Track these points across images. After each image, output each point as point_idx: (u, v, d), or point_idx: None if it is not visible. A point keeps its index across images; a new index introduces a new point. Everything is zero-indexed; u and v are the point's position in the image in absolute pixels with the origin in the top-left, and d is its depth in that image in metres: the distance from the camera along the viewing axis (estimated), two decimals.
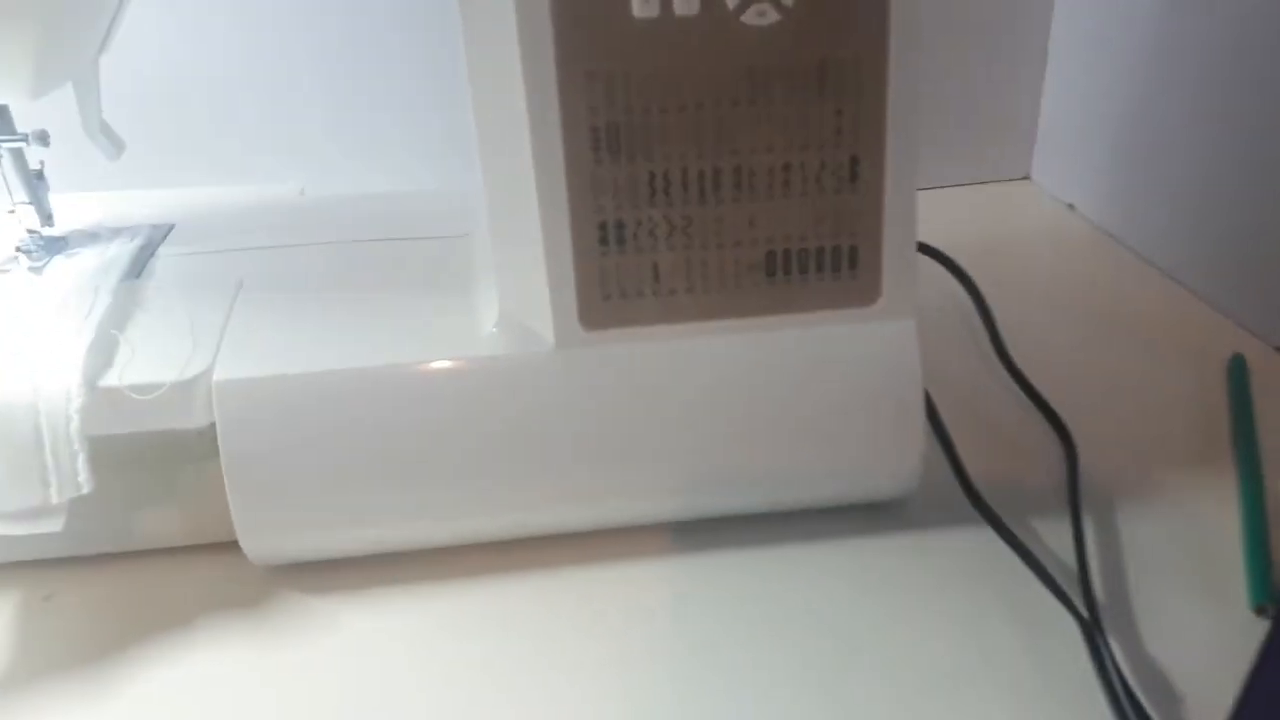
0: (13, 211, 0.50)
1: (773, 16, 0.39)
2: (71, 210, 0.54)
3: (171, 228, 0.54)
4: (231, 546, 0.44)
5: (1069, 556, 0.45)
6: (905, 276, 0.44)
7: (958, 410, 0.53)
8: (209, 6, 0.68)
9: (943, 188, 0.82)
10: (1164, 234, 0.70)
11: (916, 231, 0.43)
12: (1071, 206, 0.80)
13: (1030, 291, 0.68)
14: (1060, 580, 0.42)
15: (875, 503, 0.47)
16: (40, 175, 0.50)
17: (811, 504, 0.47)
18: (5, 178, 0.49)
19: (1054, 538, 0.46)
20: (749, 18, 0.39)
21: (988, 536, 0.45)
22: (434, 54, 0.72)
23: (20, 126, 0.48)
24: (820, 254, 0.43)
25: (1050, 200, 0.82)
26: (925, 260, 0.59)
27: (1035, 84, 0.81)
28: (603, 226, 0.42)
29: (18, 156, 0.49)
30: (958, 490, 0.48)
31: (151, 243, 0.53)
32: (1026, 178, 0.85)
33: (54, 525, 0.41)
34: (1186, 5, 0.66)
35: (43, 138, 0.48)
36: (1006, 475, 0.50)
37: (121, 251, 0.51)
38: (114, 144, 0.51)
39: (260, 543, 0.44)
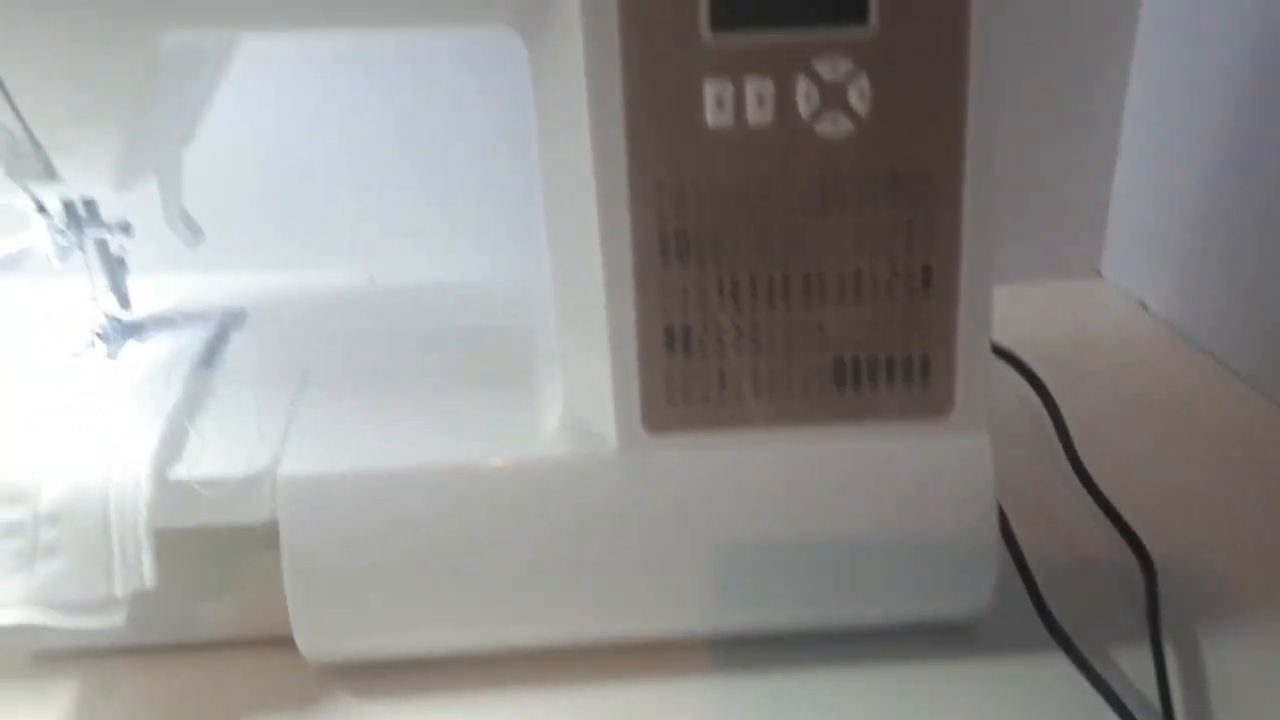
0: (94, 298, 0.51)
1: (846, 127, 0.39)
2: (148, 293, 0.55)
3: (243, 314, 0.55)
4: (287, 642, 0.44)
5: (1149, 687, 0.42)
6: (979, 389, 0.43)
7: (1030, 524, 0.51)
8: (289, 99, 0.71)
9: (1010, 284, 0.81)
10: (1239, 334, 0.67)
11: (990, 342, 0.42)
12: (1144, 305, 0.78)
13: (1103, 393, 0.66)
14: (1140, 716, 0.40)
15: (943, 624, 0.46)
16: (121, 262, 0.52)
17: (876, 624, 0.45)
18: (89, 265, 0.51)
19: (1133, 666, 0.43)
20: (823, 128, 0.39)
21: (1063, 664, 0.43)
22: (505, 148, 0.73)
23: (105, 213, 0.50)
24: (891, 363, 0.42)
25: (1122, 297, 0.80)
26: (994, 360, 0.57)
27: (1105, 179, 0.80)
28: (669, 330, 0.42)
29: (101, 246, 0.50)
30: (1031, 612, 0.45)
31: (224, 329, 0.54)
32: (1097, 274, 0.83)
33: (116, 619, 0.41)
34: (1258, 103, 0.64)
35: (126, 228, 0.50)
36: (1083, 596, 0.47)
37: (194, 339, 0.52)
38: (193, 232, 0.53)
39: (316, 640, 0.43)
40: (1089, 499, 0.54)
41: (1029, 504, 0.54)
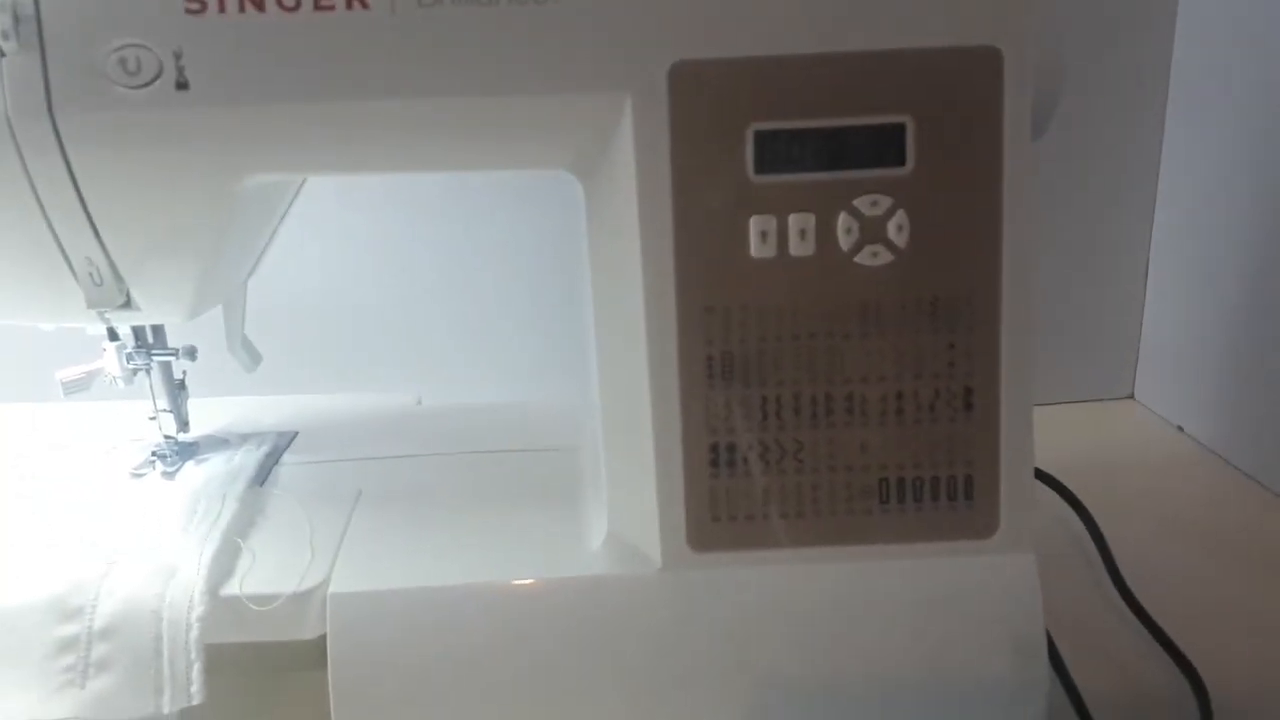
0: (153, 418, 0.53)
1: (886, 257, 0.41)
2: (204, 414, 0.57)
3: (295, 435, 0.57)
4: None
5: None
6: (1024, 508, 0.43)
7: (1077, 648, 0.50)
8: (340, 229, 0.74)
9: (1044, 405, 0.81)
10: (1277, 456, 0.67)
11: (1033, 461, 0.43)
12: (1180, 429, 0.78)
13: (1143, 516, 0.65)
14: None
15: None
16: (182, 385, 0.54)
17: None
18: (152, 388, 0.53)
19: None
20: (862, 258, 0.41)
21: None
22: (547, 277, 0.76)
23: (170, 339, 0.52)
24: (935, 483, 0.43)
25: (1156, 420, 0.81)
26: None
27: (1137, 303, 0.82)
28: (714, 449, 0.43)
29: (165, 368, 0.53)
30: None
31: (277, 449, 0.55)
32: (1130, 397, 0.84)
33: None
34: None
35: (191, 353, 0.52)
36: (1133, 718, 0.47)
37: (248, 459, 0.53)
38: (252, 358, 0.55)
39: None
40: (1136, 624, 0.53)
41: (1074, 629, 0.53)
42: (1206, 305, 0.75)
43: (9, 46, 0.39)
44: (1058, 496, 0.61)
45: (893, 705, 0.43)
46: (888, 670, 0.43)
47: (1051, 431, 0.76)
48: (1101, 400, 0.83)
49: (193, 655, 0.42)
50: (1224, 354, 0.73)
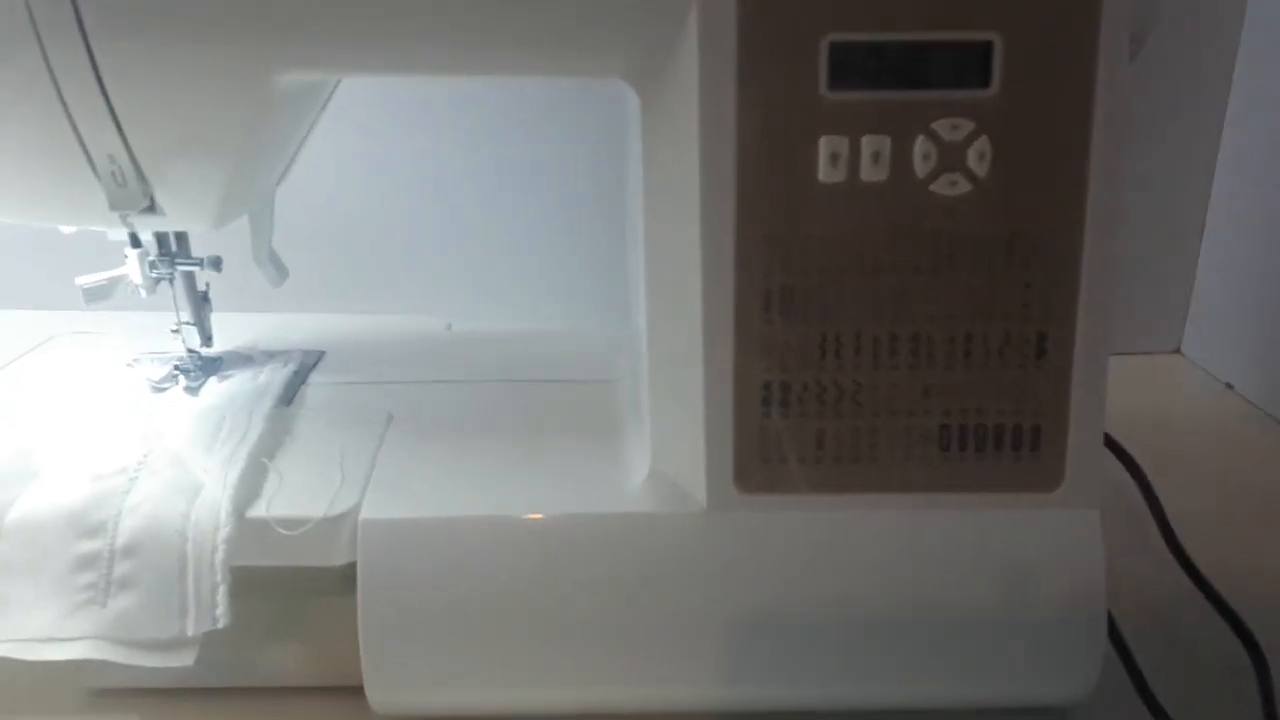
0: (176, 330, 0.52)
1: (964, 186, 0.39)
2: (229, 330, 0.55)
3: (322, 354, 0.56)
4: (355, 692, 0.42)
5: None
6: (1090, 463, 0.41)
7: (1130, 611, 0.48)
8: (373, 142, 0.72)
9: None
10: None
11: (1104, 415, 0.41)
12: (1229, 386, 0.76)
13: (1193, 474, 0.63)
14: None
15: (1042, 709, 0.43)
16: (205, 297, 0.52)
17: (972, 704, 0.43)
18: (175, 299, 0.51)
19: None
20: (939, 186, 0.39)
21: None
22: (589, 199, 0.73)
23: (195, 248, 0.50)
24: (1000, 432, 0.41)
25: (1204, 376, 0.78)
26: None
27: (1190, 257, 0.79)
28: (768, 387, 0.41)
29: (189, 279, 0.51)
30: (1135, 699, 0.43)
31: (303, 369, 0.54)
32: (1177, 351, 0.81)
33: (186, 659, 0.40)
34: None
35: (216, 263, 0.50)
36: (1189, 685, 0.45)
37: (274, 377, 0.52)
38: (279, 271, 0.53)
39: (386, 692, 0.42)
40: (1190, 585, 0.51)
41: (1127, 587, 0.51)
42: (1262, 261, 0.72)
43: None
44: (1109, 453, 0.59)
45: (944, 659, 0.42)
46: (940, 623, 0.41)
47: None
48: (1148, 353, 0.81)
49: (218, 577, 0.40)
50: (1277, 312, 0.70)
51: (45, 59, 0.38)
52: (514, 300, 0.76)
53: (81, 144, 0.41)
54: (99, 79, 0.39)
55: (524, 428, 0.49)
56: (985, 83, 0.38)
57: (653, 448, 0.44)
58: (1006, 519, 0.42)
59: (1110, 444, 0.57)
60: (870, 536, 0.42)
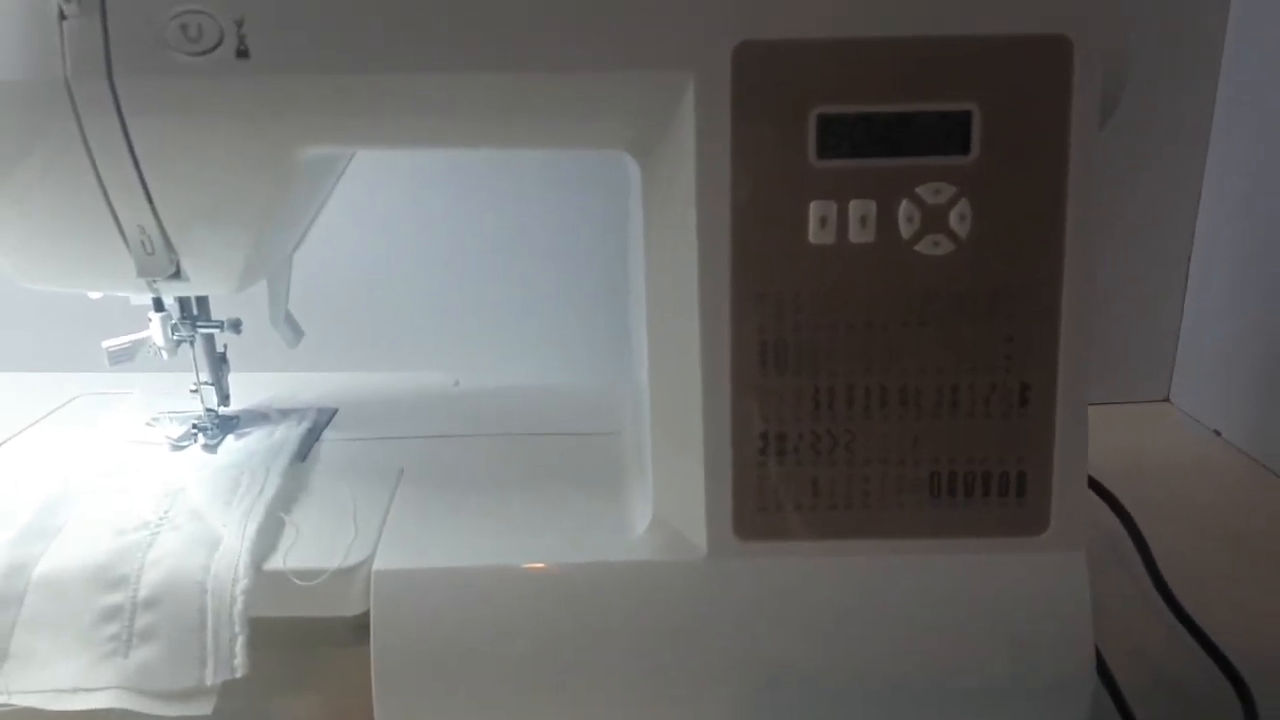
0: (195, 390, 0.53)
1: (947, 246, 0.40)
2: (246, 389, 0.57)
3: (336, 412, 0.57)
4: None
5: None
6: (1076, 506, 0.42)
7: (1118, 653, 0.49)
8: (382, 212, 0.74)
9: None
10: None
11: (1087, 460, 0.42)
12: (1217, 433, 0.77)
13: (1179, 519, 0.64)
14: None
15: None
16: (224, 358, 0.54)
17: None
18: (195, 360, 0.52)
19: None
20: (923, 247, 0.40)
21: None
22: (587, 260, 0.76)
23: (214, 311, 0.52)
24: (987, 478, 0.42)
25: (1192, 424, 0.79)
26: None
27: (1175, 304, 0.80)
28: (765, 437, 0.42)
29: (209, 341, 0.52)
30: None
31: (317, 426, 0.55)
32: (1166, 400, 0.83)
33: (204, 708, 0.41)
34: None
35: (236, 326, 0.52)
36: None
37: (290, 434, 0.53)
38: (294, 333, 0.54)
39: None
40: (1179, 628, 0.52)
41: (1116, 628, 0.52)
42: (1247, 308, 0.74)
43: (70, 9, 0.38)
44: (1096, 497, 0.60)
45: (935, 699, 0.43)
46: (934, 666, 0.42)
47: (1090, 432, 0.75)
48: (1136, 403, 0.82)
49: (236, 628, 0.41)
50: (1263, 358, 0.72)
51: (83, 134, 0.40)
52: (519, 357, 0.78)
53: (113, 215, 0.43)
54: (133, 153, 0.41)
55: (530, 479, 0.50)
56: (965, 149, 0.40)
57: (655, 497, 0.45)
58: (995, 562, 0.42)
59: (1097, 488, 0.59)
60: (863, 581, 0.43)
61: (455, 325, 0.77)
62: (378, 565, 0.43)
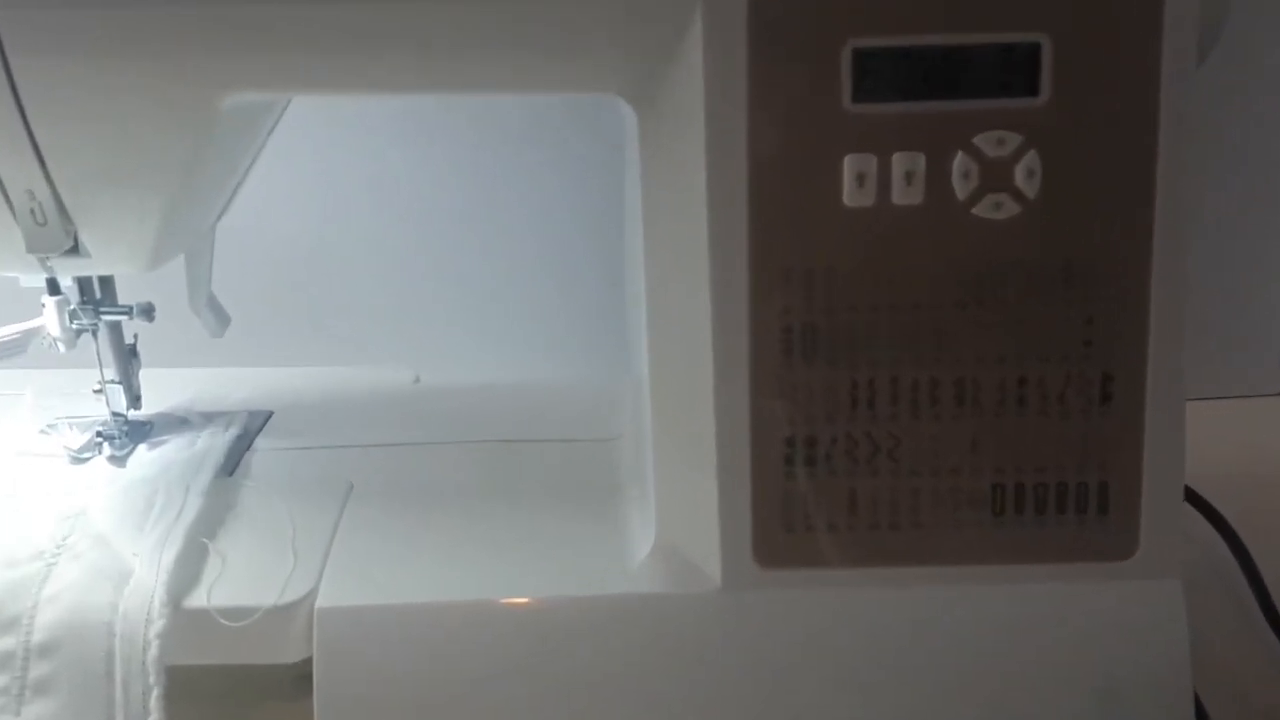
0: (99, 390, 0.53)
1: (1011, 209, 0.40)
2: (160, 388, 0.57)
3: (270, 415, 0.57)
4: None
5: None
6: (1169, 524, 0.43)
7: (1223, 696, 0.49)
8: (327, 167, 0.74)
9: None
10: None
11: (1184, 467, 0.43)
12: None
13: None
14: None
15: None
16: (134, 351, 0.54)
17: None
18: (98, 352, 0.52)
19: None
20: (982, 209, 0.40)
21: None
22: (579, 225, 0.75)
23: (121, 294, 0.52)
24: (1062, 490, 0.42)
25: None
26: None
27: None
28: (790, 443, 0.43)
29: (115, 330, 0.52)
30: None
31: (248, 433, 0.55)
32: (1279, 394, 0.83)
33: None
34: None
35: (147, 312, 0.52)
36: None
37: (214, 443, 0.53)
38: (219, 319, 0.54)
39: None
40: None
41: (1219, 675, 0.52)
42: None
43: None
44: (1194, 510, 0.60)
45: None
46: (999, 717, 0.42)
47: (1188, 432, 0.75)
48: (1244, 397, 0.82)
49: (151, 678, 0.42)
50: None
51: None
52: (494, 347, 0.77)
53: None
54: (18, 103, 0.41)
55: (507, 496, 0.50)
56: (1033, 90, 0.40)
57: (657, 517, 0.45)
58: (1072, 593, 0.43)
59: (1196, 501, 0.59)
60: (912, 617, 0.43)
61: (415, 309, 0.77)
62: (321, 602, 0.43)
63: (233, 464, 0.52)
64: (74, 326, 0.51)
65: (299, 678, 0.43)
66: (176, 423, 0.55)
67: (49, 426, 0.54)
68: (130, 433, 0.54)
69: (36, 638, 0.42)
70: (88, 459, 0.52)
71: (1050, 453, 0.42)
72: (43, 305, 0.50)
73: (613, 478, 0.51)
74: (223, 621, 0.42)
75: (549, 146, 0.73)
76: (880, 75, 0.39)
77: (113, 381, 0.53)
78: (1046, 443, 0.42)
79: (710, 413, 0.42)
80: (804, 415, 0.42)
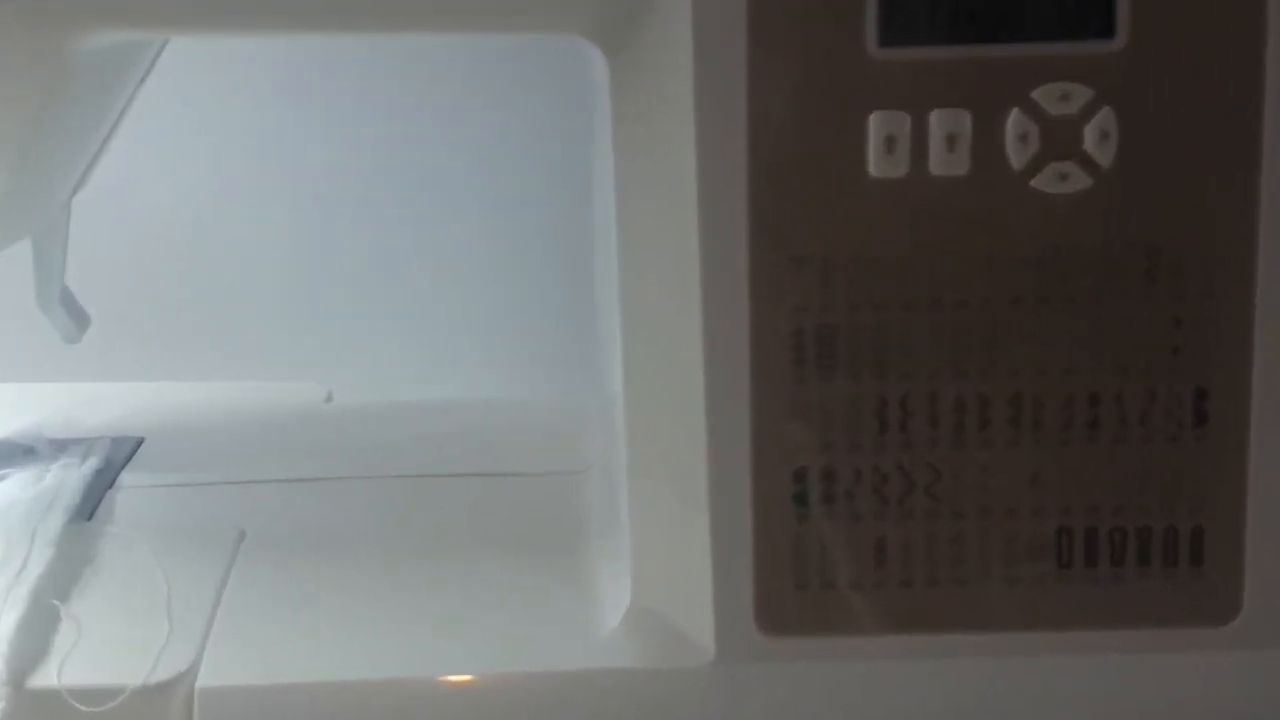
0: None
1: (1081, 182, 0.40)
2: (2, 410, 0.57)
3: (140, 443, 0.57)
4: None
5: None
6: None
7: None
8: (209, 136, 0.73)
9: None
10: None
11: None
12: None
13: None
14: None
15: None
16: None
17: None
18: None
19: None
20: (1044, 182, 0.40)
21: None
22: (534, 211, 0.75)
23: None
24: (1144, 537, 0.42)
25: None
26: None
27: None
28: (801, 476, 0.42)
29: None
30: None
31: (111, 465, 0.55)
32: None
33: None
34: None
35: None
36: None
37: (68, 478, 0.53)
38: (76, 320, 0.54)
39: None
40: None
41: None
42: None
43: None
44: None
45: None
46: None
47: None
48: None
49: None
50: None
51: None
52: (426, 358, 0.77)
53: None
54: None
55: (442, 546, 0.50)
56: (1108, 32, 0.39)
57: (633, 572, 0.45)
58: (1158, 667, 0.43)
59: None
60: (956, 698, 0.43)
61: (326, 309, 0.77)
62: (204, 681, 0.43)
63: (91, 505, 0.52)
64: None
65: None
66: (20, 452, 0.55)
67: None
68: None
69: None
70: None
71: (1130, 489, 0.42)
72: None
73: (577, 522, 0.51)
74: (77, 706, 0.41)
75: (498, 106, 0.73)
76: (914, 12, 0.39)
77: None
78: (1125, 476, 0.42)
79: (701, 439, 0.42)
80: (820, 441, 0.42)
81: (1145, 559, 0.42)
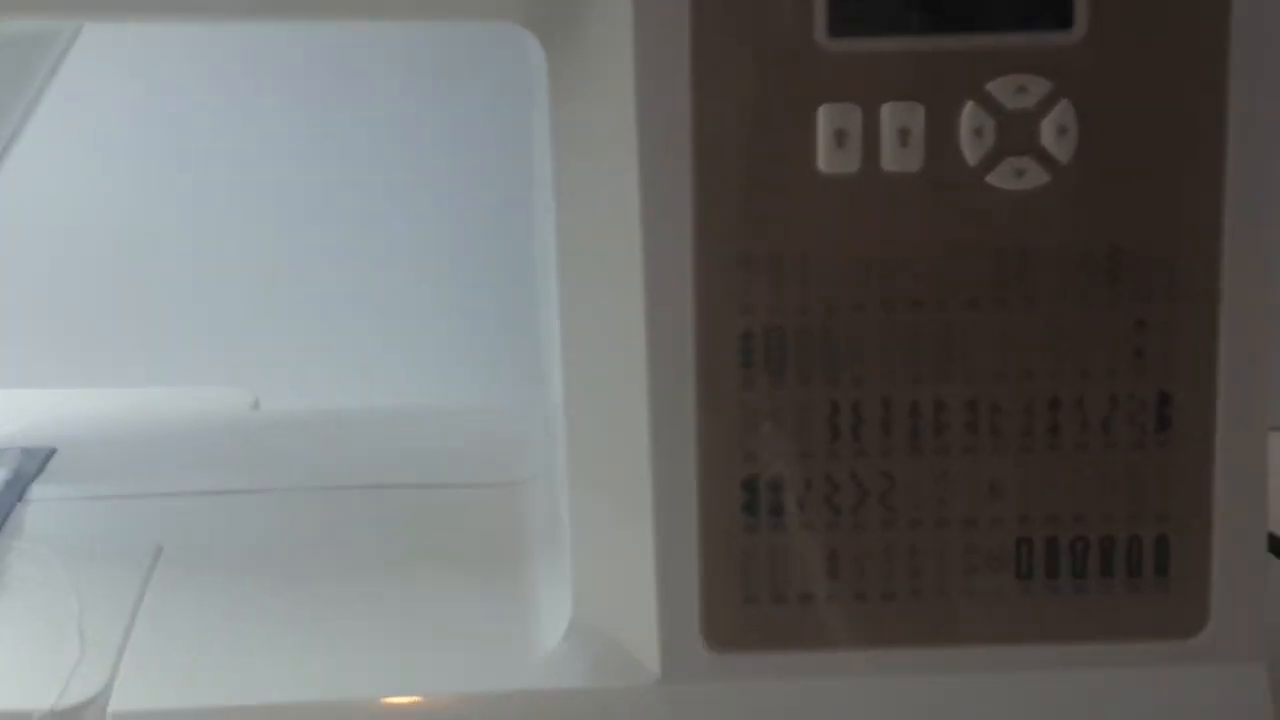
0: None
1: (1039, 178, 0.40)
2: None
3: (51, 453, 0.57)
4: None
5: None
6: (1247, 589, 0.43)
7: None
8: (125, 127, 0.73)
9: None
10: None
11: (1266, 517, 0.43)
12: None
13: None
14: None
15: None
16: None
17: None
18: None
19: None
20: (1000, 178, 0.41)
21: None
22: (471, 209, 0.75)
23: None
24: (1107, 546, 0.43)
25: None
26: None
27: None
28: (750, 486, 0.43)
29: None
30: None
31: (20, 477, 0.54)
32: None
33: None
34: None
35: None
36: None
37: None
38: None
39: None
40: None
41: None
42: None
43: None
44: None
45: None
46: None
47: (1270, 469, 0.76)
48: None
49: None
50: None
51: None
52: (358, 362, 0.77)
53: None
54: None
55: (374, 561, 0.50)
56: (1066, 21, 0.40)
57: (574, 587, 0.45)
58: (1122, 682, 0.43)
59: None
60: (915, 713, 0.43)
61: (252, 311, 0.76)
62: (117, 704, 0.42)
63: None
64: None
65: None
66: None
67: None
68: None
69: None
70: None
71: (1092, 497, 0.42)
72: None
73: (517, 535, 0.51)
74: None
75: (430, 98, 0.73)
76: (865, 1, 0.39)
77: None
78: (1087, 484, 0.42)
79: (644, 448, 0.42)
80: (769, 450, 0.42)
81: (1108, 570, 0.43)
